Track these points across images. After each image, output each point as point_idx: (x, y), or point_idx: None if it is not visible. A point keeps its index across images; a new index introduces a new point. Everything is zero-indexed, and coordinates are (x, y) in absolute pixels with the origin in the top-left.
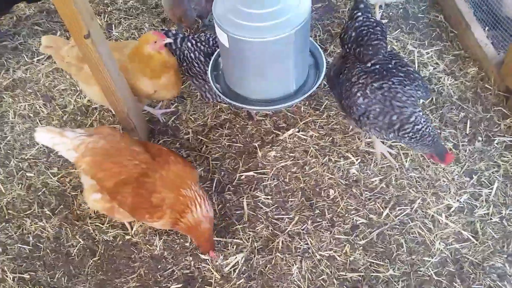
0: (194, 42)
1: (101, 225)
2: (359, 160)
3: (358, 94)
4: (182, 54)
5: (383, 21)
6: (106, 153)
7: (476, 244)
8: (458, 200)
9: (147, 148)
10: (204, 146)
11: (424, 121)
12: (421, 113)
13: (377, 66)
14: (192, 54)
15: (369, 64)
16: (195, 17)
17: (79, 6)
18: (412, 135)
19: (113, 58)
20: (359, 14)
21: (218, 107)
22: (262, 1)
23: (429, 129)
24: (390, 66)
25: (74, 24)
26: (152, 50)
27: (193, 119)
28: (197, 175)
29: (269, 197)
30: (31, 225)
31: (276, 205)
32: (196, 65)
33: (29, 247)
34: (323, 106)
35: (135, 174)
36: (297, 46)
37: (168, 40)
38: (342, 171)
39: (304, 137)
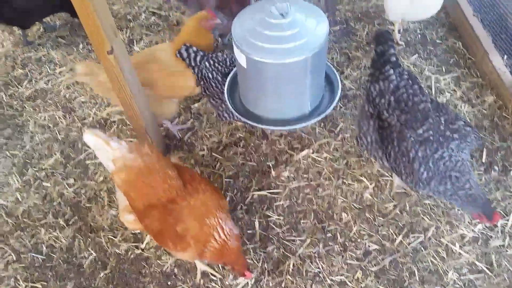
0: (212, 62)
1: (113, 238)
2: (373, 185)
3: (421, 169)
4: (200, 72)
5: (401, 44)
6: (140, 172)
7: (491, 276)
8: (472, 230)
9: (180, 172)
10: (219, 164)
11: (477, 186)
12: (474, 178)
13: (430, 132)
14: (210, 74)
15: (421, 131)
16: (217, 36)
17: (103, 22)
18: (465, 199)
19: (135, 74)
20: (391, 72)
21: (234, 125)
22: (280, 24)
23: (481, 192)
24: (442, 127)
25: (98, 40)
26: (202, 26)
27: (208, 136)
28: (226, 203)
29: (281, 217)
30: (45, 234)
31: (288, 226)
32: (213, 84)
33: (42, 257)
34: (338, 128)
35: (164, 199)
36: (314, 69)
37: (218, 21)
38: (356, 195)
39: (319, 158)
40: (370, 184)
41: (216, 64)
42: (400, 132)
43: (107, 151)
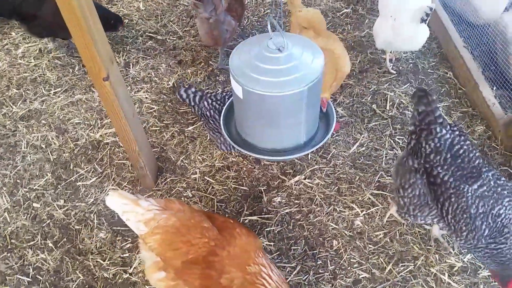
0: (210, 101)
1: (102, 262)
2: (364, 212)
3: (483, 226)
4: (200, 110)
5: (393, 73)
6: (177, 231)
7: None
8: (461, 260)
9: (212, 219)
10: (211, 187)
11: (510, 242)
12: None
13: (485, 188)
14: (208, 113)
15: (475, 186)
16: (228, 39)
17: (99, 50)
18: (492, 251)
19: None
20: (444, 132)
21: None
22: (277, 58)
23: (510, 250)
24: (492, 183)
25: (94, 66)
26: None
27: (201, 159)
28: (260, 243)
29: (272, 243)
30: (33, 256)
31: (278, 252)
32: (212, 122)
33: (28, 279)
34: (330, 155)
35: (203, 253)
36: (309, 101)
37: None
38: (347, 222)
39: (310, 184)
40: (361, 212)
41: (214, 103)
42: (457, 188)
43: (137, 212)
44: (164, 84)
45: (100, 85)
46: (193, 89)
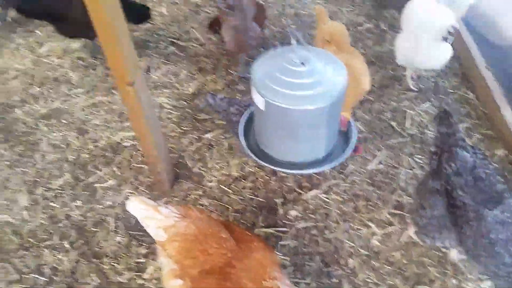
0: (238, 107)
1: (117, 266)
2: (381, 231)
3: (504, 253)
4: (228, 116)
5: (415, 90)
6: (196, 239)
7: None
8: (479, 286)
9: (230, 230)
10: (226, 197)
11: None
12: None
13: (507, 214)
14: (234, 118)
15: (497, 212)
16: (253, 46)
17: (126, 55)
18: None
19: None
20: (466, 154)
21: (244, 159)
22: (300, 72)
23: None
24: None
25: (120, 72)
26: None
27: (218, 167)
28: (277, 258)
29: (287, 258)
30: (49, 256)
31: (293, 267)
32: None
33: (44, 279)
34: (348, 171)
35: (220, 264)
36: (330, 117)
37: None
38: (363, 240)
39: (327, 200)
40: (379, 230)
41: (241, 109)
42: (477, 212)
43: (157, 219)
44: (184, 90)
45: (125, 90)
46: (220, 96)
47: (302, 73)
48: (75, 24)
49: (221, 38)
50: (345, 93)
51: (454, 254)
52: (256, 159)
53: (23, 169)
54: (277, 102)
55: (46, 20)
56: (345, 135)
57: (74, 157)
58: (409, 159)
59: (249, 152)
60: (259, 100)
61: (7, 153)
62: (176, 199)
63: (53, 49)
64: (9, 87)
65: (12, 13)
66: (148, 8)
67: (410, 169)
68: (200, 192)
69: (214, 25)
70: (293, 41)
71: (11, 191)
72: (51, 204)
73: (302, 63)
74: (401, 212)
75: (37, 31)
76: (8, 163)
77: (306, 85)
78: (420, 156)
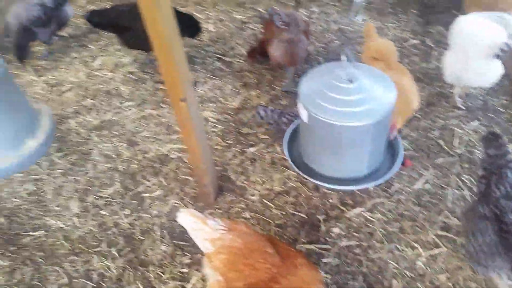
0: (289, 117)
1: (162, 275)
2: (427, 253)
3: None
4: (278, 126)
5: (462, 108)
6: (241, 253)
7: None
8: None
9: (275, 245)
10: (268, 211)
11: None
12: None
13: None
14: (285, 127)
15: None
16: (303, 58)
17: (181, 73)
18: None
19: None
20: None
21: (286, 173)
22: (347, 89)
23: None
24: None
25: (174, 88)
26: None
27: (260, 181)
28: (321, 277)
29: (329, 276)
30: (97, 262)
31: (335, 286)
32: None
33: (92, 284)
34: (393, 189)
35: (265, 278)
36: (375, 136)
37: None
38: (408, 261)
39: (371, 218)
40: (424, 252)
41: (293, 119)
42: None
43: (204, 231)
44: (228, 104)
45: (177, 105)
46: (271, 108)
47: (349, 90)
48: (137, 37)
49: (262, 58)
50: (394, 111)
51: (504, 284)
52: (297, 169)
53: (75, 178)
54: (322, 117)
55: (111, 31)
56: (391, 152)
57: (124, 167)
58: (457, 179)
59: (290, 161)
60: (303, 113)
61: (61, 161)
62: (220, 211)
63: (105, 63)
64: (64, 99)
65: (69, 30)
66: (198, 21)
67: (458, 190)
68: (243, 205)
69: (254, 53)
70: (343, 58)
71: (63, 198)
72: (101, 212)
73: (350, 80)
74: (448, 234)
75: (90, 46)
76: (61, 171)
77: (353, 102)
78: (468, 177)
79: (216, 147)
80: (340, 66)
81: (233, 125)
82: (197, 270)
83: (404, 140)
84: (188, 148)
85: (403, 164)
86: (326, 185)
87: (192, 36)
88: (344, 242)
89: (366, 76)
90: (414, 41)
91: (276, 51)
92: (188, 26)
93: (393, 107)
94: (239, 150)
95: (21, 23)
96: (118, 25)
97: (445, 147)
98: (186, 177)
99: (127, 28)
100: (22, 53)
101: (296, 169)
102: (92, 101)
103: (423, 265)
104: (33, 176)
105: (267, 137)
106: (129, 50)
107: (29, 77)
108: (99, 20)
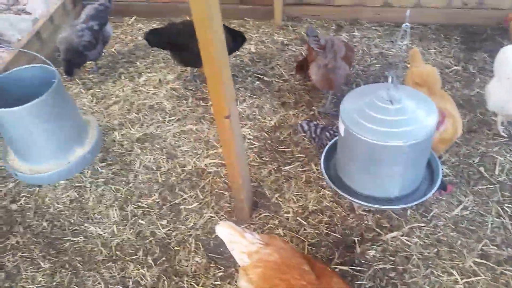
0: (332, 132)
1: (195, 286)
2: (464, 280)
3: None
4: (321, 141)
5: (505, 136)
6: (278, 268)
7: None
8: None
9: (310, 263)
10: (302, 229)
11: None
12: None
13: None
14: (328, 142)
15: None
16: (342, 84)
17: (227, 90)
18: None
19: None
20: None
21: (321, 193)
22: (388, 109)
23: None
24: None
25: (220, 105)
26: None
27: (295, 199)
28: None
29: None
30: (133, 270)
31: None
32: None
33: None
34: (431, 214)
35: None
36: (410, 158)
37: None
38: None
39: (408, 242)
40: (461, 279)
41: (336, 133)
42: None
43: (242, 244)
44: (266, 122)
45: (221, 122)
46: (314, 122)
47: (390, 111)
48: (192, 55)
49: (307, 75)
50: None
51: None
52: (331, 183)
53: (116, 187)
54: (354, 131)
55: (166, 49)
56: (430, 177)
57: (163, 179)
58: (497, 207)
59: (325, 174)
60: (341, 128)
61: (104, 171)
62: (254, 226)
63: (150, 79)
64: (110, 111)
65: (117, 46)
66: (242, 32)
67: (498, 218)
68: (277, 222)
69: (301, 67)
70: (389, 80)
71: (104, 206)
72: (139, 221)
73: (391, 101)
74: (487, 262)
75: (137, 63)
76: (104, 180)
77: (390, 123)
78: (509, 205)
79: (252, 163)
80: (383, 87)
81: (270, 142)
82: (229, 283)
83: (444, 165)
84: (227, 163)
85: (444, 189)
86: (357, 201)
87: (238, 47)
88: (379, 265)
89: (410, 98)
90: (456, 67)
91: (314, 75)
92: (233, 36)
93: (433, 130)
94: (275, 168)
95: (73, 48)
96: (176, 44)
97: (486, 174)
98: (222, 191)
99: (183, 46)
100: (73, 72)
101: (331, 183)
102: (136, 114)
103: None
104: (76, 184)
105: (304, 155)
106: (173, 67)
107: (77, 89)
108: (157, 40)
